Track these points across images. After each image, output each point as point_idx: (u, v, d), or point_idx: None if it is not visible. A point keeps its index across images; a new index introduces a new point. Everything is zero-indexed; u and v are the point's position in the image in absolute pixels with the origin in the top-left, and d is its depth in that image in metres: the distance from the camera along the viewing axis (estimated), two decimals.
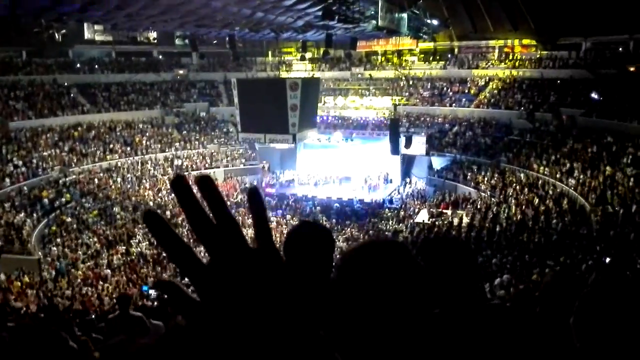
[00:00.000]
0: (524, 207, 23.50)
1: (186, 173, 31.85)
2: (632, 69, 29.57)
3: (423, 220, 25.74)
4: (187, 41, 32.39)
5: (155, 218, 0.63)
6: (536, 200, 23.61)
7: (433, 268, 1.76)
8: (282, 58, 44.92)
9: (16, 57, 35.83)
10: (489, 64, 37.51)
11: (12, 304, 14.97)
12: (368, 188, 31.74)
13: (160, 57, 43.62)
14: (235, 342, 0.63)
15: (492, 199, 26.01)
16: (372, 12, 23.11)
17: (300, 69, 42.39)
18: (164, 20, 24.05)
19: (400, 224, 26.38)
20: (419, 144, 31.85)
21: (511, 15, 34.98)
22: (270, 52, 45.77)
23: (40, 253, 21.22)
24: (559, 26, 33.35)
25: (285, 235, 1.91)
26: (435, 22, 32.47)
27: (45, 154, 28.50)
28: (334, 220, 27.76)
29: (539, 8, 32.87)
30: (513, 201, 24.60)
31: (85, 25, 36.12)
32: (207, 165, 33.29)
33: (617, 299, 1.26)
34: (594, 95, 28.98)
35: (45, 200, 24.98)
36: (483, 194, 27.09)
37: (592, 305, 1.29)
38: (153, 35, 41.74)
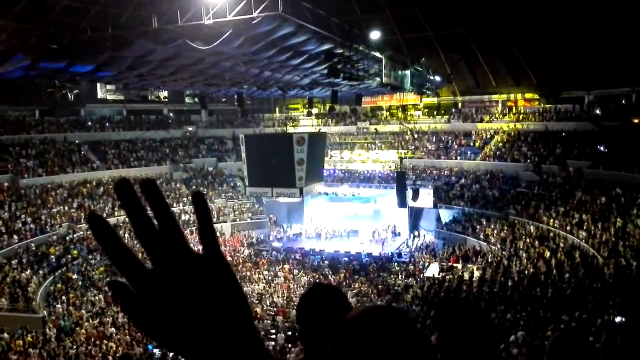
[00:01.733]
0: (535, 260, 23.11)
1: (193, 228, 31.84)
2: (636, 120, 29.82)
3: (433, 275, 25.31)
4: (196, 99, 33.19)
5: (99, 221, 0.62)
6: (547, 254, 23.25)
7: (448, 334, 1.70)
8: (289, 114, 45.77)
9: (29, 116, 36.73)
10: (493, 117, 37.98)
11: None
12: (376, 242, 31.46)
13: (171, 114, 44.60)
14: (177, 344, 0.65)
15: (503, 252, 25.63)
16: (376, 70, 23.67)
17: (307, 124, 43.07)
18: (175, 80, 24.76)
19: (410, 279, 25.94)
20: (426, 197, 31.80)
21: (513, 71, 35.73)
22: (277, 109, 46.72)
23: (44, 311, 20.93)
24: (561, 80, 33.97)
25: (298, 299, 1.87)
26: (438, 78, 33.19)
27: (53, 210, 28.68)
28: (342, 274, 27.34)
29: (540, 63, 33.60)
30: (524, 254, 24.23)
31: (98, 84, 37.23)
32: (214, 220, 33.21)
33: None
34: (601, 148, 29.14)
35: (52, 257, 24.90)
36: (493, 247, 26.75)
37: None
38: (164, 93, 42.85)
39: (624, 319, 13.77)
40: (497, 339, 1.77)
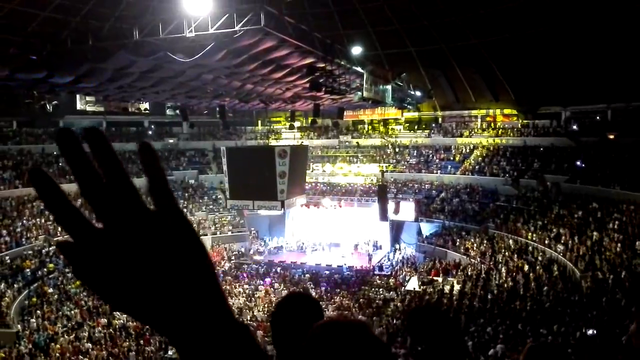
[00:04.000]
0: (514, 273, 23.36)
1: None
2: (611, 136, 30.52)
3: (414, 288, 25.38)
4: (177, 111, 33.00)
5: (41, 176, 0.57)
6: (526, 267, 23.52)
7: (419, 340, 1.75)
8: (271, 127, 45.78)
9: (6, 127, 36.12)
10: (473, 132, 38.53)
11: None
12: (359, 255, 31.49)
13: (151, 126, 44.24)
14: (136, 309, 0.61)
15: (482, 266, 25.86)
16: (358, 84, 23.88)
17: (289, 137, 43.12)
18: (156, 92, 24.60)
19: (391, 292, 25.96)
20: (407, 210, 32.00)
21: (492, 87, 36.36)
22: (259, 121, 46.68)
23: (19, 325, 20.42)
24: (539, 96, 34.67)
25: (273, 306, 1.88)
26: (418, 93, 33.58)
27: (30, 223, 28.11)
28: (323, 288, 27.26)
29: (518, 79, 34.26)
30: (503, 268, 24.47)
31: (77, 96, 36.80)
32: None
33: None
34: (578, 163, 29.74)
35: (28, 271, 24.35)
36: (473, 260, 26.96)
37: None
38: (145, 105, 42.50)
39: (595, 332, 13.98)
40: (464, 345, 1.83)
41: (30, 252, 26.10)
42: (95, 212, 0.59)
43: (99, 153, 0.59)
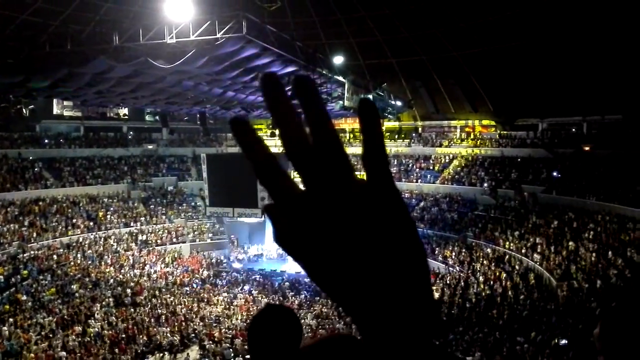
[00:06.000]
0: (492, 282, 23.61)
1: (150, 248, 31.10)
2: (586, 148, 31.19)
3: None
4: (157, 117, 32.74)
5: (244, 126, 0.53)
6: (504, 275, 23.80)
7: None
8: None
9: None
10: (452, 142, 39.00)
11: None
12: None
13: (130, 132, 43.75)
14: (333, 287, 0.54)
15: (461, 274, 26.08)
16: (339, 93, 24.04)
17: (270, 144, 42.34)
18: (135, 97, 24.42)
19: None
20: None
21: (471, 98, 36.91)
22: None
23: None
24: (516, 108, 35.32)
25: (250, 319, 1.87)
26: (399, 103, 33.92)
27: (4, 228, 27.48)
28: (303, 296, 27.15)
29: (496, 91, 34.86)
30: (481, 277, 24.72)
31: (55, 100, 36.26)
32: (173, 240, 32.63)
33: None
34: (555, 173, 30.30)
35: (1, 277, 23.75)
36: (452, 269, 27.18)
37: None
38: (124, 111, 42.06)
39: (566, 342, 14.20)
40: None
41: (4, 258, 25.47)
42: (299, 174, 0.54)
43: (309, 107, 0.52)
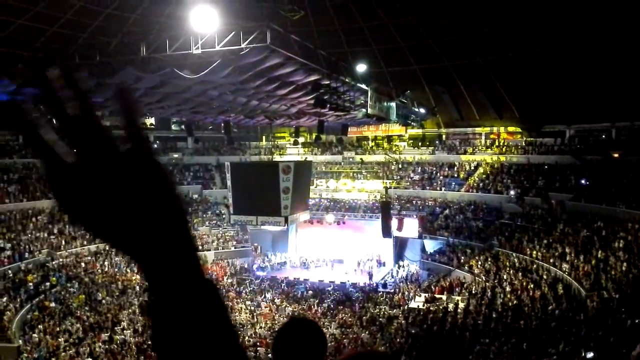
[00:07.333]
0: (519, 292, 23.17)
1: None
2: (615, 155, 30.48)
3: (418, 306, 25.18)
4: (183, 126, 33.18)
5: (17, 108, 0.62)
6: (531, 285, 23.34)
7: None
8: (276, 142, 45.93)
9: (12, 141, 36.33)
10: (476, 149, 38.54)
11: None
12: (361, 272, 31.33)
13: (157, 141, 44.43)
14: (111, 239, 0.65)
15: (487, 284, 25.66)
16: (362, 101, 24.00)
17: (293, 152, 43.23)
18: (161, 107, 24.79)
19: (395, 310, 25.76)
20: (411, 227, 31.88)
21: (495, 104, 36.46)
22: (264, 137, 46.90)
23: (20, 340, 20.31)
24: (543, 114, 34.74)
25: (275, 333, 1.87)
26: (422, 110, 33.72)
27: (33, 236, 28.14)
28: (326, 305, 27.07)
29: (522, 97, 34.37)
30: (508, 286, 24.28)
31: None
32: (197, 248, 32.88)
33: None
34: (583, 181, 29.68)
35: (30, 285, 24.30)
36: (477, 278, 26.77)
37: None
38: (150, 120, 42.78)
39: (593, 355, 13.81)
40: None
41: (33, 265, 26.07)
42: (71, 145, 0.63)
43: (71, 89, 0.64)
